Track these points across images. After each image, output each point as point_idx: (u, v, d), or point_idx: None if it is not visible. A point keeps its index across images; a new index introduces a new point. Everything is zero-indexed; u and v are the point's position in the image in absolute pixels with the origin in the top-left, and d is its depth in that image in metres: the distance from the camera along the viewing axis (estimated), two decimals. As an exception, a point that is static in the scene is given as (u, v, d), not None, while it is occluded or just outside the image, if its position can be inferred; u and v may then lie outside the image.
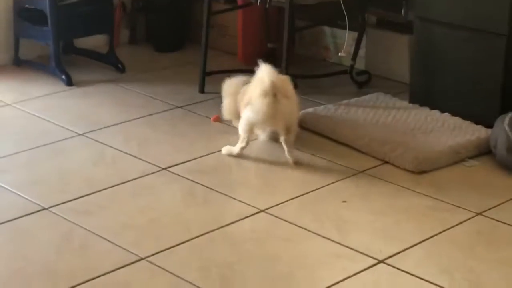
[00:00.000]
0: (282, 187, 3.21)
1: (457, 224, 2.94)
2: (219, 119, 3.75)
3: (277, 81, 3.30)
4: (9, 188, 3.14)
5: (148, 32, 4.86)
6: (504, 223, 2.96)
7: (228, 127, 3.72)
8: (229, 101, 3.61)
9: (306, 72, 4.38)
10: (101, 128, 3.70)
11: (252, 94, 3.34)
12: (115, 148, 3.51)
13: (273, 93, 3.27)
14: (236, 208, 3.03)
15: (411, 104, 3.87)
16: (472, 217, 3.00)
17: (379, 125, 3.66)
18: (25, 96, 4.05)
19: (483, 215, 3.01)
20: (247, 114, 3.37)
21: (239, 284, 2.57)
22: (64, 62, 4.31)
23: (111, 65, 4.44)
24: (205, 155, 3.46)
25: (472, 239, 2.86)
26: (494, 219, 2.98)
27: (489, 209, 3.05)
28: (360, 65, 4.35)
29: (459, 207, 3.06)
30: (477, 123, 3.64)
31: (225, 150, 3.47)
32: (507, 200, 3.12)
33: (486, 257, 2.74)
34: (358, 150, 3.51)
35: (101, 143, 3.56)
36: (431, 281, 2.60)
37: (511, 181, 3.27)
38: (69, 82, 4.20)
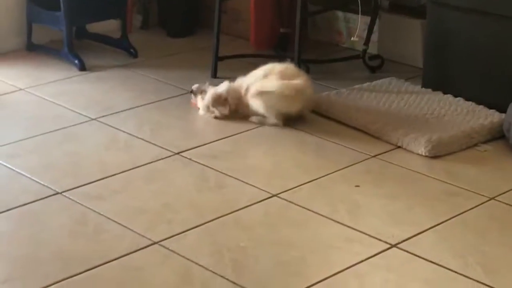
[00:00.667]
0: (295, 172, 3.21)
1: (470, 209, 2.94)
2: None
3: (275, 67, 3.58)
4: (22, 172, 3.15)
5: (161, 17, 4.86)
6: (518, 207, 2.95)
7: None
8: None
9: (319, 56, 4.37)
10: (114, 113, 3.71)
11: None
12: (127, 133, 3.51)
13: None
14: (248, 193, 3.03)
15: (424, 89, 3.86)
16: (485, 202, 2.99)
17: (391, 110, 3.65)
18: (37, 81, 4.06)
19: (496, 200, 3.00)
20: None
21: (251, 269, 2.57)
22: (77, 47, 4.31)
23: (124, 50, 4.44)
24: (217, 140, 3.46)
25: (485, 223, 2.85)
26: (507, 204, 2.97)
27: (502, 193, 3.04)
28: (372, 49, 4.33)
29: (472, 191, 3.05)
30: (490, 107, 3.62)
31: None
32: (521, 185, 3.11)
33: (499, 241, 2.74)
34: (371, 135, 3.50)
35: (114, 127, 3.57)
36: (444, 265, 2.59)
37: (525, 165, 3.26)
38: (82, 67, 4.21)
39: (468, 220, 2.87)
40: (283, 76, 3.58)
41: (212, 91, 3.65)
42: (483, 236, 2.77)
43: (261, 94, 3.54)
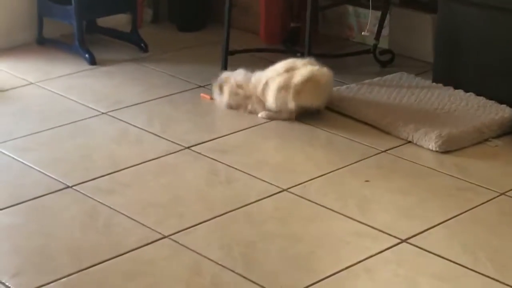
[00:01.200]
0: (305, 167, 3.21)
1: (480, 204, 2.93)
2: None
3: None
4: (33, 166, 3.16)
5: (171, 11, 4.86)
6: (528, 203, 2.94)
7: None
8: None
9: (329, 51, 4.36)
10: (124, 107, 3.72)
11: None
12: (138, 127, 3.52)
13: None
14: (258, 187, 3.03)
15: (434, 84, 3.85)
16: (496, 197, 2.98)
17: (402, 105, 3.64)
18: (48, 75, 4.07)
19: (507, 195, 2.99)
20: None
21: (261, 263, 2.58)
22: (87, 41, 4.32)
23: (134, 44, 4.44)
24: (227, 134, 3.46)
25: (496, 218, 2.85)
26: (518, 199, 2.97)
27: (513, 189, 3.04)
28: (383, 44, 4.32)
29: (483, 186, 3.05)
30: (501, 102, 3.61)
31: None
32: (531, 180, 3.10)
33: (510, 236, 2.73)
34: (381, 130, 3.49)
35: (124, 121, 3.57)
36: (455, 260, 2.59)
37: (536, 161, 3.25)
38: (93, 61, 4.21)
39: (479, 215, 2.87)
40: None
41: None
42: (493, 231, 2.76)
43: (285, 87, 3.53)
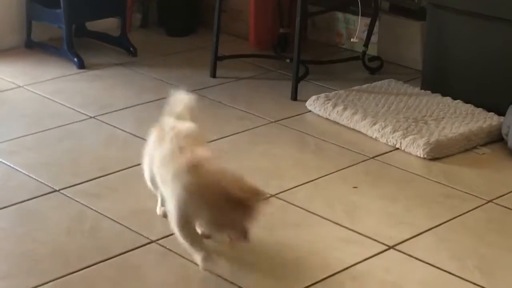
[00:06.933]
0: (293, 172, 3.21)
1: (468, 211, 2.94)
2: None
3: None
4: (20, 169, 3.15)
5: (160, 16, 4.86)
6: (515, 211, 2.95)
7: (241, 112, 3.71)
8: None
9: (318, 57, 4.37)
10: (113, 111, 3.71)
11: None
12: (126, 131, 3.51)
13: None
14: (246, 193, 3.02)
15: (423, 91, 3.86)
16: (483, 205, 2.99)
17: (390, 112, 3.65)
18: (36, 79, 4.06)
19: (494, 203, 3.00)
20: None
21: (248, 269, 2.57)
22: (76, 45, 4.31)
23: (123, 48, 4.43)
24: (216, 140, 3.46)
25: (483, 226, 2.85)
26: (505, 207, 2.97)
27: (500, 196, 3.04)
28: (372, 51, 4.33)
29: (470, 194, 3.05)
30: (489, 110, 3.63)
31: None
32: (519, 188, 3.11)
33: (497, 244, 2.74)
34: (369, 136, 3.50)
35: (113, 126, 3.56)
36: (442, 267, 2.59)
37: (523, 169, 3.27)
38: (81, 65, 4.20)
39: (466, 222, 2.87)
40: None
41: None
42: (480, 238, 2.77)
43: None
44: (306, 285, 2.49)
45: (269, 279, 2.52)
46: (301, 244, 2.73)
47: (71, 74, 4.13)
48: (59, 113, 3.68)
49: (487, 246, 2.72)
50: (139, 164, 3.21)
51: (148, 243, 2.69)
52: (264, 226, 2.82)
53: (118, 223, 2.80)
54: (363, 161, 3.31)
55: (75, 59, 4.21)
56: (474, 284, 2.52)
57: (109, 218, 2.83)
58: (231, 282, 2.49)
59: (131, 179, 3.11)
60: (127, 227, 2.78)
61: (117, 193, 3.01)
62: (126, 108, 3.75)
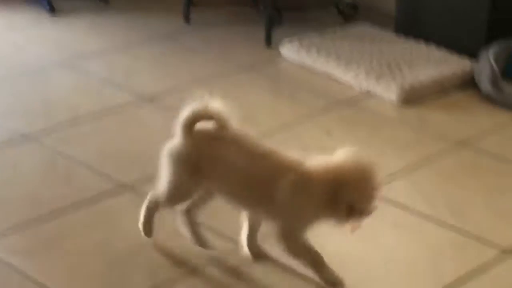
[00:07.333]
0: (267, 118, 3.21)
1: (439, 154, 2.96)
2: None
3: None
4: (-8, 116, 3.13)
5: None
6: (486, 153, 2.98)
7: (214, 58, 3.69)
8: None
9: (292, 4, 4.34)
10: (85, 58, 3.67)
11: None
12: (98, 77, 3.49)
13: None
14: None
15: (396, 37, 3.86)
16: (455, 148, 3.01)
17: (364, 57, 3.64)
18: (7, 26, 4.00)
19: (467, 146, 3.03)
20: None
21: (225, 213, 2.58)
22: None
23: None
24: (190, 85, 3.44)
25: (455, 169, 2.88)
26: (477, 150, 3.00)
27: (472, 140, 3.06)
28: (346, -3, 4.31)
29: (443, 138, 3.08)
30: (461, 55, 3.63)
31: None
32: (490, 132, 3.14)
33: (468, 186, 2.77)
34: (343, 81, 3.50)
35: (85, 72, 3.54)
36: (414, 209, 2.62)
37: (494, 112, 3.29)
38: (52, 11, 4.15)
39: (439, 165, 2.90)
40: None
41: None
42: (453, 181, 2.80)
43: None
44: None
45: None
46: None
47: (42, 21, 4.06)
48: (30, 60, 3.62)
49: (459, 188, 2.75)
50: (112, 110, 3.21)
51: (123, 188, 2.69)
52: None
53: (92, 168, 2.80)
54: (337, 106, 3.31)
55: (46, 6, 4.14)
56: (444, 223, 2.56)
57: (82, 163, 2.82)
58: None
59: (104, 125, 3.10)
60: (100, 172, 2.77)
61: (90, 138, 3.00)
62: (98, 54, 3.71)
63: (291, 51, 3.70)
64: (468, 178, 2.82)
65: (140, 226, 2.39)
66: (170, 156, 2.30)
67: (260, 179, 2.18)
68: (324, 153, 2.91)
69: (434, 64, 3.58)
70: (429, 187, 2.76)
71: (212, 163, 2.23)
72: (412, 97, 3.34)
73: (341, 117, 3.23)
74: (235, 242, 2.37)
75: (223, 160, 2.22)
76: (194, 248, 2.37)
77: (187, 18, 4.07)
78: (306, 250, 2.21)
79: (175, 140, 2.30)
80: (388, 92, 3.35)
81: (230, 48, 3.83)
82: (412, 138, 3.08)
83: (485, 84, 3.36)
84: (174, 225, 2.41)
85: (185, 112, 2.27)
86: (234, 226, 2.37)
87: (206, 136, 2.26)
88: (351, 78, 3.48)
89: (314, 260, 2.22)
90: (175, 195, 2.32)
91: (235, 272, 2.32)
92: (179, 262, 2.35)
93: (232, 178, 2.22)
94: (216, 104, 2.27)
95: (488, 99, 3.36)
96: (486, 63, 3.37)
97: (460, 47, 3.65)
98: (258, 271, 2.31)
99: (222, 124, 2.25)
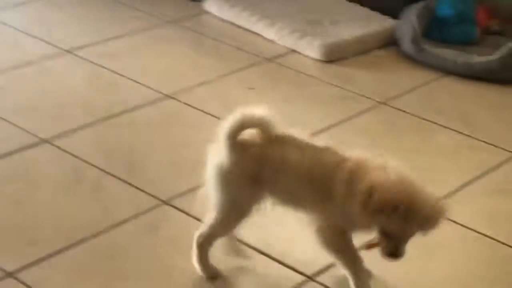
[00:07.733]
0: (190, 73, 3.18)
1: (361, 113, 2.99)
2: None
3: None
4: None
5: None
6: (407, 112, 3.01)
7: (137, 12, 3.63)
8: None
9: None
10: (1, 8, 3.57)
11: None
12: (17, 29, 3.39)
13: None
14: (142, 93, 2.99)
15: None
16: (377, 106, 3.04)
17: (288, 14, 3.63)
18: None
19: (387, 104, 3.06)
20: None
21: (144, 169, 2.56)
22: None
23: None
24: (112, 38, 3.38)
25: (376, 127, 2.91)
26: (397, 108, 3.04)
27: (392, 98, 3.10)
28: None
29: (364, 96, 3.10)
30: (384, 14, 3.65)
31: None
32: (411, 90, 3.17)
33: (389, 144, 2.80)
34: (266, 38, 3.49)
35: (2, 23, 3.43)
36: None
37: (415, 71, 3.32)
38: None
39: (360, 123, 2.92)
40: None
41: None
42: (373, 139, 2.82)
43: None
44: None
45: (164, 179, 2.51)
46: (197, 144, 2.70)
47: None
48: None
49: (379, 146, 2.78)
50: (31, 63, 3.13)
51: (40, 143, 2.64)
52: (160, 126, 2.81)
53: (9, 122, 2.74)
54: (259, 63, 3.30)
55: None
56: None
57: (-1, 117, 2.76)
58: (125, 181, 2.47)
59: (22, 78, 3.04)
60: (18, 126, 2.71)
61: (7, 91, 2.93)
62: (19, 5, 3.61)
63: (215, 6, 3.66)
64: (389, 137, 2.85)
65: (201, 272, 2.14)
66: (222, 175, 2.08)
67: (320, 174, 2.08)
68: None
69: (357, 22, 3.59)
70: (350, 145, 2.76)
71: (271, 168, 2.09)
72: (335, 55, 3.35)
73: (264, 73, 3.22)
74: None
75: (283, 163, 2.09)
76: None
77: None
78: (346, 248, 2.09)
79: (221, 157, 2.08)
80: (311, 49, 3.35)
81: (155, 1, 3.77)
82: (334, 96, 3.09)
83: (406, 44, 3.39)
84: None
85: (229, 124, 2.08)
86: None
87: (256, 144, 2.11)
88: (274, 34, 3.46)
89: (352, 261, 2.09)
90: (237, 215, 2.11)
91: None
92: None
93: (294, 178, 2.09)
94: (258, 111, 2.14)
95: (409, 57, 3.40)
96: (408, 23, 3.40)
97: (383, 7, 3.66)
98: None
99: (268, 130, 2.13)
